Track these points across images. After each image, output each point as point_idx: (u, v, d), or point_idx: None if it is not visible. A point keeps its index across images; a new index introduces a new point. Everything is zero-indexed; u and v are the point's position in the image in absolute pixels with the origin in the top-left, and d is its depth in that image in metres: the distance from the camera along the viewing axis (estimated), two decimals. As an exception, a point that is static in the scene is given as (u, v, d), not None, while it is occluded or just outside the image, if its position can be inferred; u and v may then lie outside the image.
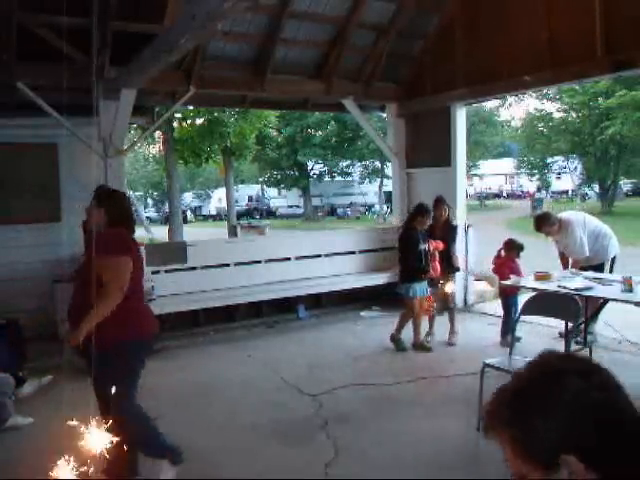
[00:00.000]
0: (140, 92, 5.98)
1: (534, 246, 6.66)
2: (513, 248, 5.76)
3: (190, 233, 17.41)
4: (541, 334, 5.77)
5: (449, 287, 5.75)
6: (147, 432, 3.11)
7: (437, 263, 5.68)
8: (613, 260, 5.63)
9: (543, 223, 5.51)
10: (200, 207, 39.94)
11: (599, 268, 5.46)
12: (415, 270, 5.51)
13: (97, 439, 2.16)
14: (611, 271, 5.54)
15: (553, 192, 37.63)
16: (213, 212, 37.11)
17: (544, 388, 0.92)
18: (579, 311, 4.02)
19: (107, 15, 5.49)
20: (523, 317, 4.41)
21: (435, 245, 5.65)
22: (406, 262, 5.59)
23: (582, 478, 0.88)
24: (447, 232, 5.87)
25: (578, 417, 0.89)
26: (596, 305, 5.28)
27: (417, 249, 5.46)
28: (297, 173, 32.48)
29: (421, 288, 5.53)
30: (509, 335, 4.75)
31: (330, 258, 7.36)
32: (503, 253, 5.82)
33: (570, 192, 35.63)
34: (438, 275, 5.68)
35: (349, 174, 33.90)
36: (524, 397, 0.94)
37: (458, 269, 6.14)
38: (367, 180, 33.53)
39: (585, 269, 5.41)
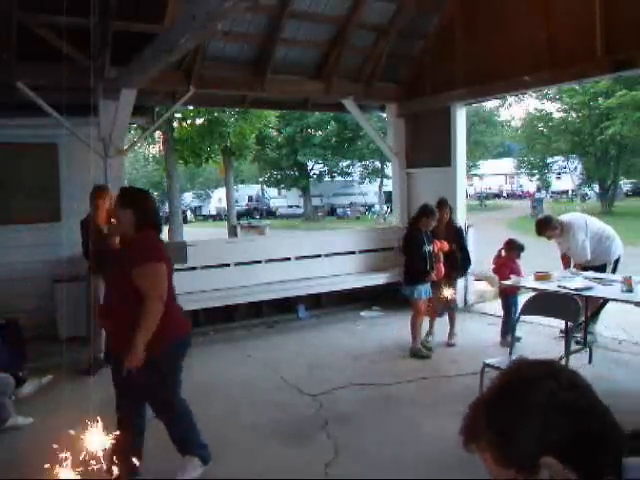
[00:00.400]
0: (140, 92, 5.98)
1: (534, 246, 6.66)
2: (514, 248, 5.76)
3: (190, 233, 17.42)
4: (541, 334, 5.78)
5: (449, 292, 5.67)
6: (190, 429, 3.23)
7: (441, 265, 5.61)
8: (617, 261, 5.57)
9: (544, 227, 5.46)
10: (200, 207, 39.95)
11: (601, 269, 5.43)
12: (419, 272, 5.46)
13: (97, 440, 2.17)
14: (614, 272, 5.48)
15: (553, 192, 37.62)
16: (213, 212, 37.13)
17: (516, 392, 0.95)
18: (579, 311, 4.02)
19: (107, 15, 5.48)
20: (523, 317, 4.41)
21: (440, 246, 5.58)
22: (411, 263, 5.53)
23: (562, 478, 0.89)
24: (451, 234, 5.83)
25: (551, 418, 0.90)
26: (596, 305, 5.28)
27: (422, 250, 5.39)
28: (297, 173, 32.48)
29: (425, 290, 5.50)
30: (509, 335, 4.76)
31: (330, 258, 7.35)
32: (504, 253, 5.81)
33: (570, 192, 35.62)
34: (441, 277, 5.61)
35: (349, 174, 33.90)
36: (498, 403, 0.96)
37: (465, 270, 6.09)
38: (367, 180, 33.52)
39: (586, 269, 5.40)
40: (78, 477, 2.32)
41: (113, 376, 3.17)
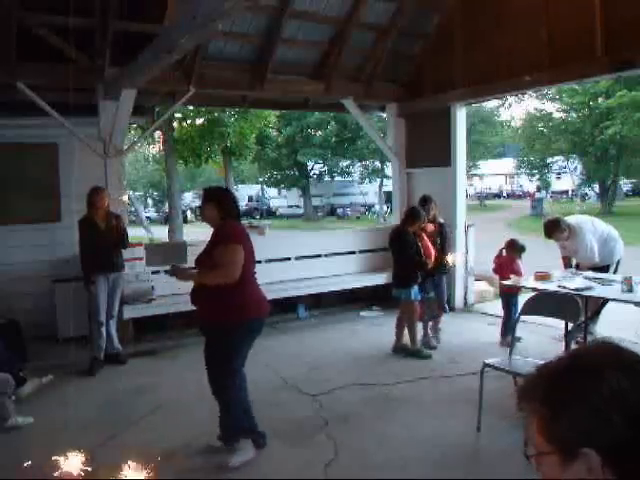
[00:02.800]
0: (140, 92, 5.98)
1: (535, 245, 6.66)
2: (515, 249, 5.75)
3: (190, 233, 17.40)
4: (541, 334, 5.77)
5: (451, 259, 5.70)
6: (240, 418, 3.41)
7: (430, 247, 5.48)
8: (618, 263, 5.56)
9: (554, 230, 5.38)
10: (200, 207, 39.90)
11: (604, 270, 5.39)
12: (413, 273, 5.42)
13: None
14: (615, 273, 5.45)
15: (553, 192, 37.60)
16: (213, 212, 37.05)
17: (584, 377, 0.90)
18: (579, 311, 4.02)
19: (108, 15, 5.49)
20: (523, 317, 4.41)
21: (427, 233, 5.54)
22: (404, 265, 5.49)
23: (598, 475, 0.86)
24: (436, 230, 5.77)
25: (611, 414, 0.86)
26: (597, 305, 5.27)
27: (413, 251, 5.38)
28: (297, 173, 32.47)
29: (417, 291, 5.50)
30: (509, 335, 4.76)
31: (330, 258, 7.35)
32: (504, 253, 5.81)
33: (570, 192, 35.62)
34: (433, 261, 5.50)
35: (349, 174, 33.88)
36: (562, 381, 0.92)
37: (445, 268, 5.88)
38: (367, 180, 33.49)
39: (589, 270, 5.38)
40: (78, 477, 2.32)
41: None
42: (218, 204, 3.45)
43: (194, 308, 5.21)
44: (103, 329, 5.28)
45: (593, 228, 5.45)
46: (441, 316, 5.92)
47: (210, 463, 3.44)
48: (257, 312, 3.44)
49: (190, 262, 6.45)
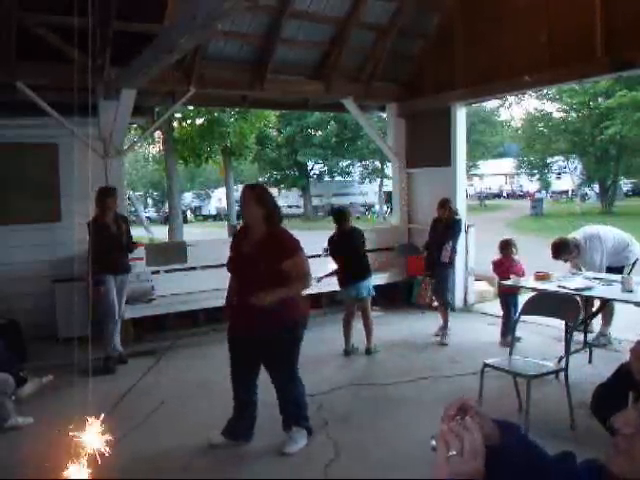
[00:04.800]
0: (140, 92, 5.98)
1: (535, 245, 6.66)
2: (506, 247, 5.76)
3: (190, 233, 17.41)
4: (541, 334, 5.77)
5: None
6: (303, 402, 3.64)
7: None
8: (634, 264, 5.41)
9: (561, 252, 5.26)
10: (200, 207, 39.88)
11: (618, 271, 5.27)
12: (368, 268, 5.67)
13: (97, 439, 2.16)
14: (630, 274, 5.20)
15: (553, 192, 37.59)
16: (213, 212, 37.08)
17: None
18: (579, 311, 4.02)
19: (108, 15, 5.49)
20: (523, 317, 4.41)
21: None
22: (363, 261, 5.64)
23: None
24: (449, 227, 6.05)
25: None
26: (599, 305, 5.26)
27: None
28: (297, 173, 32.45)
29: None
30: (509, 335, 4.76)
31: (330, 258, 7.32)
32: (500, 254, 5.85)
33: (570, 192, 35.59)
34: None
35: (349, 174, 33.87)
36: None
37: (445, 264, 6.00)
38: (367, 180, 33.49)
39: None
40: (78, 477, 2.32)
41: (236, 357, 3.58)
42: (268, 207, 3.38)
43: (194, 308, 5.21)
44: (117, 327, 5.35)
45: (601, 245, 5.27)
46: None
47: (212, 461, 3.44)
48: (306, 306, 3.66)
49: (190, 262, 6.52)
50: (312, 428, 3.67)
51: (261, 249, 3.35)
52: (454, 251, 6.05)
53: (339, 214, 5.73)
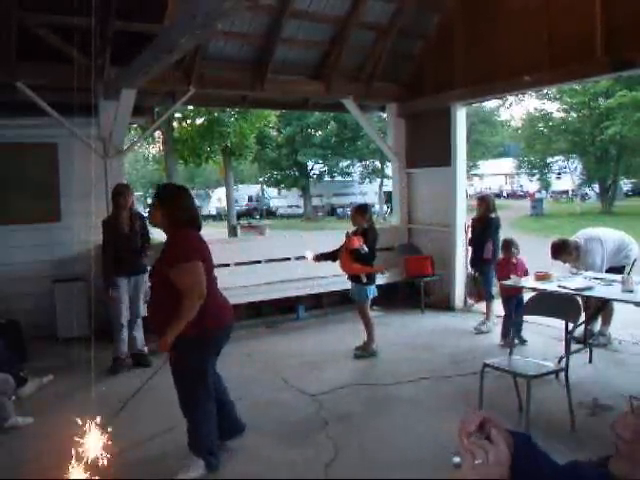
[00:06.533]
0: (140, 92, 5.98)
1: (535, 245, 6.66)
2: (507, 248, 5.76)
3: (190, 233, 17.38)
4: (541, 334, 5.77)
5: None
6: (208, 432, 3.24)
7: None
8: (633, 263, 5.42)
9: (560, 252, 5.28)
10: (200, 207, 39.88)
11: (618, 270, 5.27)
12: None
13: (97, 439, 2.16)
14: (629, 273, 5.19)
15: (553, 192, 37.59)
16: (213, 212, 37.05)
17: None
18: (579, 311, 4.02)
19: (108, 15, 5.49)
20: (524, 317, 4.41)
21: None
22: (369, 262, 5.48)
23: None
24: (485, 226, 6.25)
25: None
26: (598, 305, 5.26)
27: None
28: (297, 173, 32.45)
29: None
30: (509, 335, 4.76)
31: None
32: (501, 255, 5.84)
33: (570, 192, 35.57)
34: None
35: (349, 174, 33.87)
36: None
37: (488, 260, 6.18)
38: (367, 180, 33.49)
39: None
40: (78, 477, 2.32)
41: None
42: (168, 208, 3.09)
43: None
44: (125, 331, 5.23)
45: (602, 248, 5.27)
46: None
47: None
48: (217, 322, 3.16)
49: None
50: (215, 464, 3.25)
51: (159, 258, 3.12)
52: (495, 248, 6.16)
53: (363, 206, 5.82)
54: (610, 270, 5.26)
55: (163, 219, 3.10)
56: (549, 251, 5.38)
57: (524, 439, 1.08)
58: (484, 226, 6.24)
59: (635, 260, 5.45)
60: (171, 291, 2.96)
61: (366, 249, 5.29)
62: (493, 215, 6.28)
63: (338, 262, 5.54)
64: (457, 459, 1.00)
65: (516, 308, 5.44)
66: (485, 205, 6.30)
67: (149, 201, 40.05)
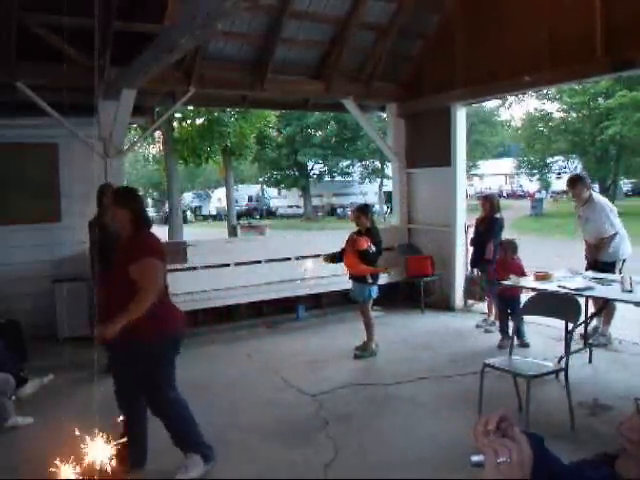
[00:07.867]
0: (140, 92, 5.98)
1: (534, 245, 6.66)
2: (507, 248, 5.76)
3: (190, 233, 17.41)
4: (541, 334, 5.77)
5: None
6: (189, 428, 3.25)
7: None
8: (623, 262, 5.50)
9: (577, 182, 5.52)
10: (200, 207, 39.86)
11: (610, 266, 5.36)
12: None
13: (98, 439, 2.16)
14: (620, 272, 5.34)
15: (553, 192, 37.58)
16: (213, 212, 37.05)
17: None
18: (579, 311, 4.02)
19: (108, 15, 5.49)
20: (525, 318, 4.41)
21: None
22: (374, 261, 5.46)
23: None
24: (489, 226, 6.23)
25: None
26: (598, 304, 5.26)
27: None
28: (297, 173, 32.45)
29: None
30: (508, 336, 4.76)
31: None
32: (500, 255, 5.84)
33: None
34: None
35: (349, 174, 33.87)
36: None
37: (489, 260, 6.14)
38: (367, 180, 33.49)
39: (597, 265, 5.37)
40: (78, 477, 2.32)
41: (112, 372, 3.28)
42: (132, 209, 3.18)
43: (194, 308, 5.13)
44: None
45: (610, 208, 5.50)
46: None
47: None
48: (169, 324, 3.18)
49: (190, 262, 6.51)
50: (210, 454, 3.27)
51: (119, 255, 3.17)
52: (495, 248, 6.11)
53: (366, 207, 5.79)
54: (602, 264, 5.32)
55: (125, 219, 3.17)
56: (567, 182, 5.68)
57: (538, 440, 1.08)
58: (488, 226, 6.22)
59: (625, 259, 5.51)
60: (130, 289, 2.98)
61: (374, 249, 5.33)
62: (498, 215, 6.27)
63: (342, 263, 5.59)
64: (476, 458, 0.99)
65: (513, 310, 5.41)
66: (490, 205, 6.29)
67: (149, 201, 40.14)
